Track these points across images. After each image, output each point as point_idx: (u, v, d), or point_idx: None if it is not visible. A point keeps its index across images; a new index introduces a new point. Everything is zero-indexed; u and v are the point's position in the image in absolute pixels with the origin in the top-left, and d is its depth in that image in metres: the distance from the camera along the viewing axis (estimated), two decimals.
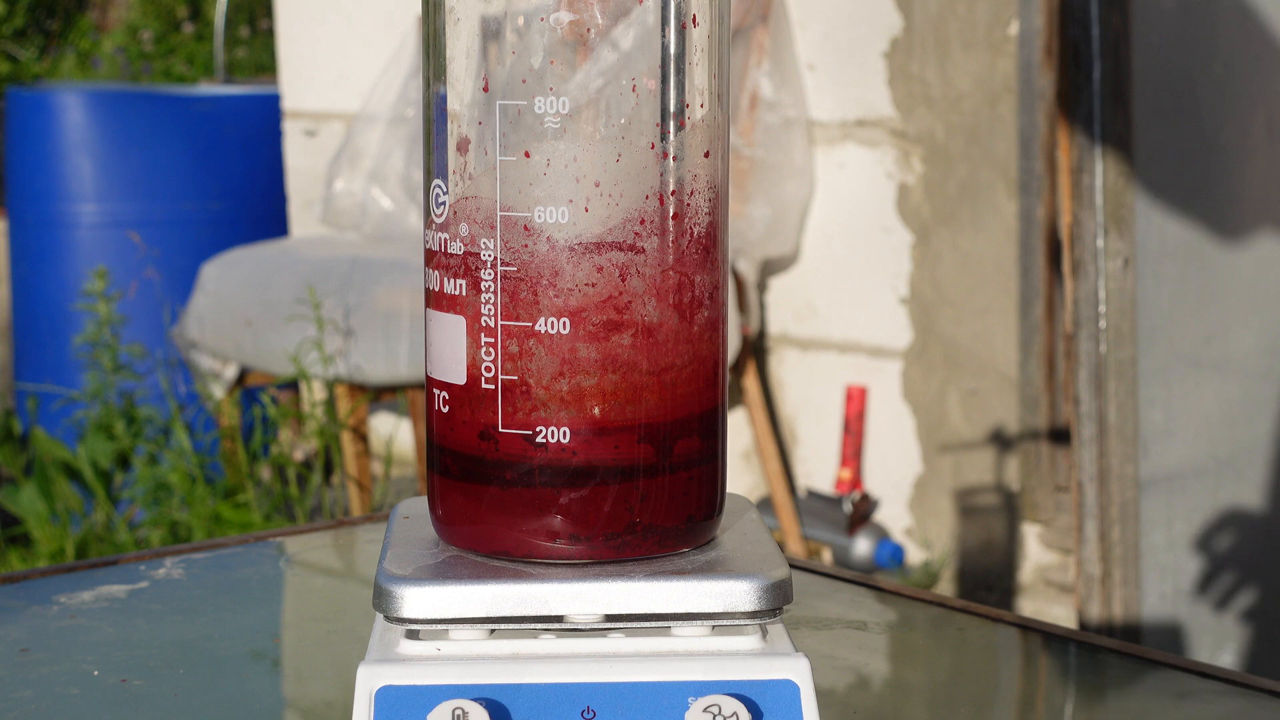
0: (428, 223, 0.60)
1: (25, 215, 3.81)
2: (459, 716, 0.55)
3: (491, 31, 0.58)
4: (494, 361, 0.58)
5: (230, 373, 3.29)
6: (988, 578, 2.71)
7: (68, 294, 3.57)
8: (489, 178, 0.58)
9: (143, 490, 3.14)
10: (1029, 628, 0.87)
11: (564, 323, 0.57)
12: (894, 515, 2.82)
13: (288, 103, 3.88)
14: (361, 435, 3.03)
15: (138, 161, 3.74)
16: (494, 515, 0.59)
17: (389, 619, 0.58)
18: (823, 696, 0.59)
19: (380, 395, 3.16)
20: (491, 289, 0.58)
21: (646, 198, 0.58)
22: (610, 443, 0.58)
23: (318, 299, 2.89)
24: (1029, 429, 2.60)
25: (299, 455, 3.57)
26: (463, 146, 0.59)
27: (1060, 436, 2.58)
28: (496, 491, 0.59)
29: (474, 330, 0.58)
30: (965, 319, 2.67)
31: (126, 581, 0.93)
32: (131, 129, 3.76)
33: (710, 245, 0.60)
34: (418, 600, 0.57)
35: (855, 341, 2.85)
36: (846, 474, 2.84)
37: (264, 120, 3.88)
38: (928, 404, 2.74)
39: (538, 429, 0.58)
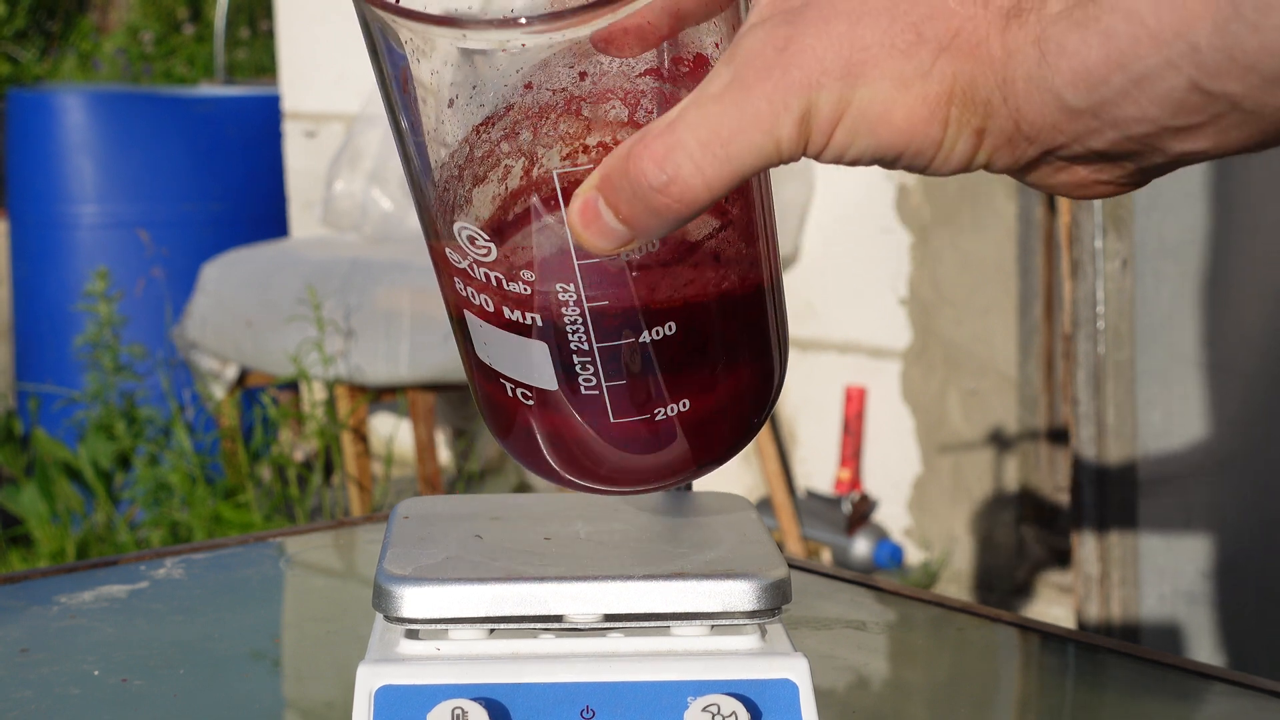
0: (452, 246, 0.56)
1: (26, 216, 3.81)
2: (458, 716, 0.55)
3: None
4: (594, 374, 0.56)
5: (230, 373, 3.29)
6: (987, 578, 2.71)
7: (68, 295, 3.57)
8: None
9: (143, 490, 3.14)
10: (1028, 628, 0.87)
11: (670, 325, 0.56)
12: (893, 515, 2.82)
13: (288, 104, 3.88)
14: (362, 436, 3.03)
15: (138, 162, 3.74)
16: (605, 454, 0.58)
17: (389, 619, 0.58)
18: (822, 696, 0.59)
19: (380, 396, 3.16)
20: (579, 321, 0.55)
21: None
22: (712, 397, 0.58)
23: (318, 299, 2.89)
24: (1028, 429, 2.60)
25: (299, 456, 3.57)
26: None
27: (1059, 437, 2.59)
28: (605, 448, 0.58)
29: (561, 353, 0.56)
30: (965, 319, 2.68)
31: (127, 582, 0.93)
32: (132, 130, 3.76)
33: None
34: (417, 600, 0.57)
35: (855, 342, 2.85)
36: (846, 474, 2.84)
37: (264, 121, 3.89)
38: (927, 404, 2.74)
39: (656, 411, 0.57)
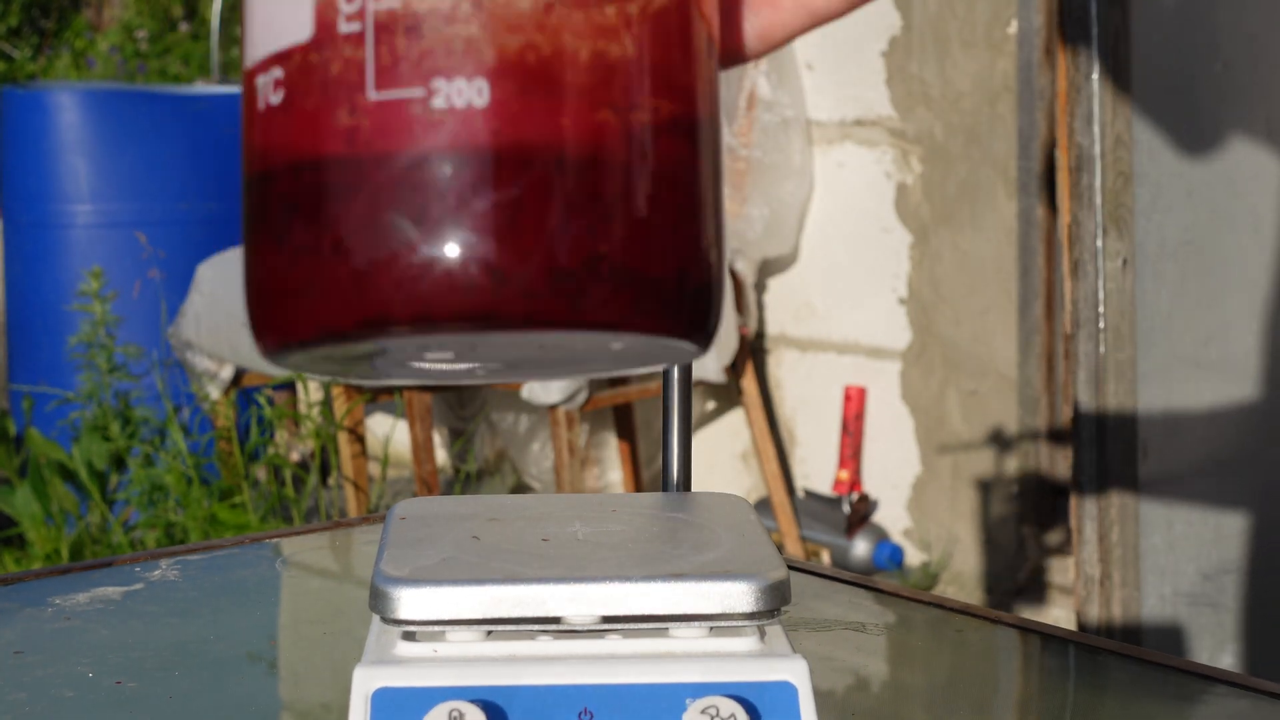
0: None
1: (20, 215, 3.81)
2: (456, 718, 0.55)
3: None
4: None
5: (226, 373, 3.29)
6: (987, 579, 2.71)
7: (63, 294, 3.57)
8: None
9: (138, 492, 3.14)
10: (1028, 629, 0.88)
11: None
12: (892, 516, 2.82)
13: None
14: (358, 436, 3.03)
15: (133, 161, 3.74)
16: (360, 245, 0.37)
17: (385, 620, 0.58)
18: (821, 698, 0.59)
19: (377, 396, 3.16)
20: None
21: None
22: (556, 107, 0.37)
23: None
24: (1028, 429, 2.60)
25: (295, 456, 3.57)
26: None
27: (1059, 437, 2.59)
28: (364, 207, 0.37)
29: None
30: (964, 319, 2.67)
31: (122, 583, 0.93)
32: (127, 128, 3.76)
33: None
34: (414, 602, 0.57)
35: (854, 342, 2.85)
36: (845, 475, 2.84)
37: None
38: (927, 404, 2.74)
39: (434, 84, 0.37)
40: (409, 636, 0.58)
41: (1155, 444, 2.04)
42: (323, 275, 0.37)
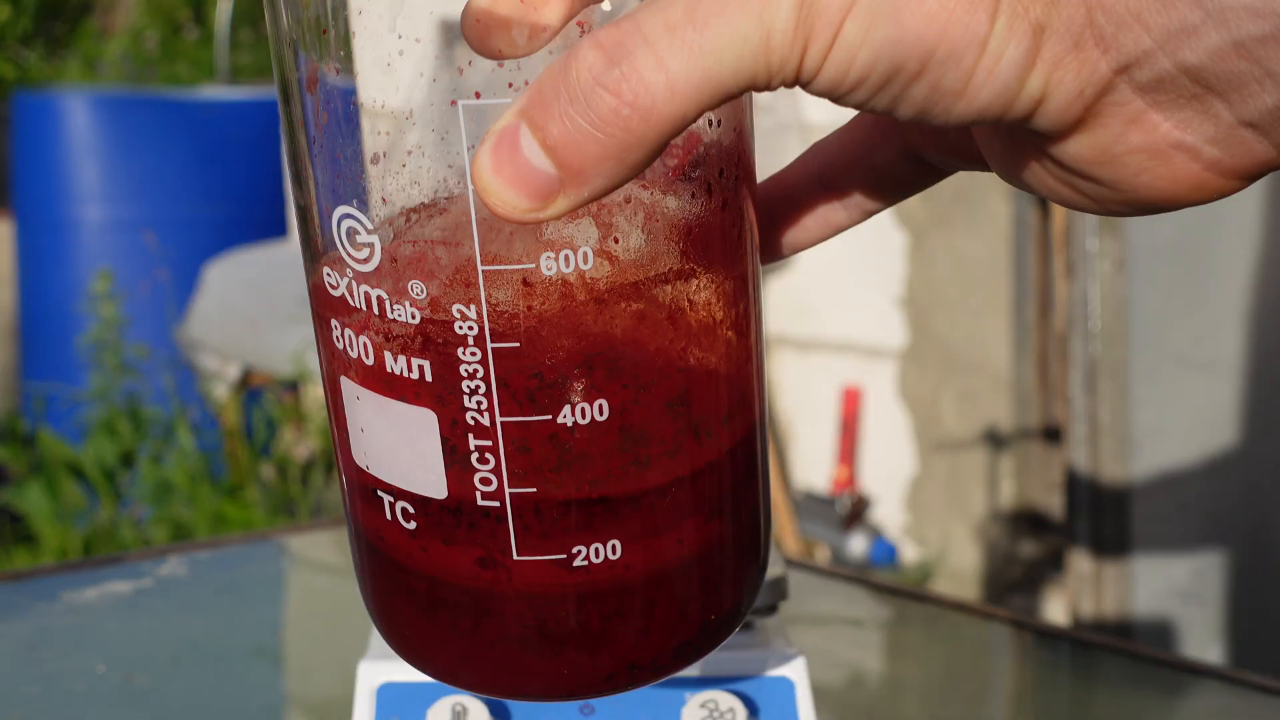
0: (330, 260, 0.40)
1: (31, 217, 3.82)
2: (459, 713, 0.54)
3: None
4: (495, 471, 0.39)
5: (233, 372, 3.30)
6: (981, 575, 2.72)
7: (73, 295, 3.57)
8: (454, 213, 0.39)
9: (147, 489, 3.15)
10: (1022, 625, 0.88)
11: (600, 406, 0.39)
12: (889, 514, 2.83)
13: None
14: None
15: (142, 164, 3.75)
16: (502, 656, 0.42)
17: None
18: (819, 693, 0.59)
19: None
20: (479, 372, 0.38)
21: (693, 194, 0.40)
22: (673, 539, 0.41)
23: None
24: (1022, 428, 2.61)
25: (301, 454, 3.58)
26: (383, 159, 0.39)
27: (1053, 436, 2.59)
28: (509, 630, 0.41)
29: (455, 430, 0.39)
30: (959, 320, 2.68)
31: (131, 579, 0.93)
32: (136, 132, 3.77)
33: (752, 244, 0.43)
34: None
35: (851, 342, 2.86)
36: (842, 473, 2.85)
37: (266, 123, 3.89)
38: (922, 404, 2.75)
39: (575, 549, 0.40)
40: None
41: (1147, 442, 2.05)
42: (454, 652, 0.42)
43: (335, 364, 0.41)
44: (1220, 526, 2.09)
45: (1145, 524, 2.08)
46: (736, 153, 0.40)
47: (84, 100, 3.79)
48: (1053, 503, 2.63)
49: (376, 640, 0.58)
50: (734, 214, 0.41)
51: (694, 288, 0.40)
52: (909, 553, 2.80)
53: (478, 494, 0.39)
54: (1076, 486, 2.11)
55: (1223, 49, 0.33)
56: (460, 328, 0.38)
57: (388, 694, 0.56)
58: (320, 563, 1.02)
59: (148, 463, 3.19)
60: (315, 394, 3.39)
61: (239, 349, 3.18)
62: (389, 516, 0.41)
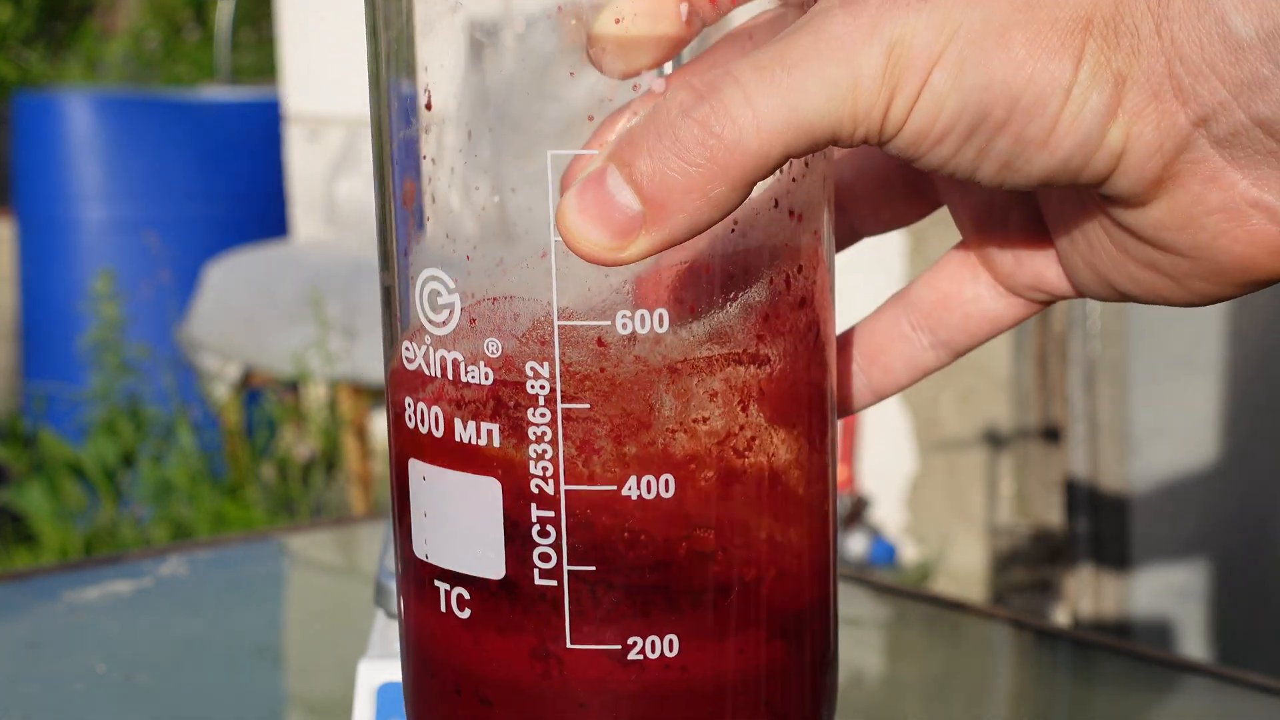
0: (409, 335, 0.40)
1: (33, 217, 3.83)
2: None
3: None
4: (555, 546, 0.39)
5: (233, 372, 3.31)
6: (981, 575, 2.72)
7: (74, 295, 3.58)
8: (534, 267, 0.38)
9: (148, 489, 3.15)
10: (1021, 624, 0.88)
11: (666, 481, 0.38)
12: (888, 514, 2.83)
13: (290, 106, 3.89)
14: (363, 435, 3.05)
15: (143, 164, 3.76)
16: None
17: (390, 615, 0.59)
18: None
19: (382, 395, 3.17)
20: (548, 435, 0.38)
21: (771, 280, 0.39)
22: (734, 646, 0.40)
23: (320, 299, 2.90)
24: (1021, 428, 2.61)
25: (302, 454, 3.59)
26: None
27: (1052, 436, 2.60)
28: None
29: (518, 502, 0.39)
30: None
31: (131, 578, 0.93)
32: (137, 132, 3.78)
33: (828, 337, 0.42)
34: None
35: None
36: (841, 473, 2.85)
37: (267, 124, 3.90)
38: (922, 404, 2.76)
39: (630, 640, 0.39)
40: None
41: (1146, 442, 2.05)
42: None
43: (404, 449, 0.41)
44: (1219, 526, 2.09)
45: (1144, 524, 2.09)
46: (815, 255, 0.40)
47: (85, 101, 3.80)
48: (1052, 502, 2.63)
49: (376, 640, 0.59)
50: (810, 313, 0.40)
51: (768, 375, 0.39)
52: (908, 552, 2.80)
53: (535, 571, 0.39)
54: (1076, 486, 2.12)
55: None
56: (532, 387, 0.38)
57: (388, 694, 0.56)
58: (320, 563, 1.02)
59: (148, 462, 3.20)
60: (315, 394, 3.40)
61: (239, 349, 3.19)
62: (443, 608, 0.40)
